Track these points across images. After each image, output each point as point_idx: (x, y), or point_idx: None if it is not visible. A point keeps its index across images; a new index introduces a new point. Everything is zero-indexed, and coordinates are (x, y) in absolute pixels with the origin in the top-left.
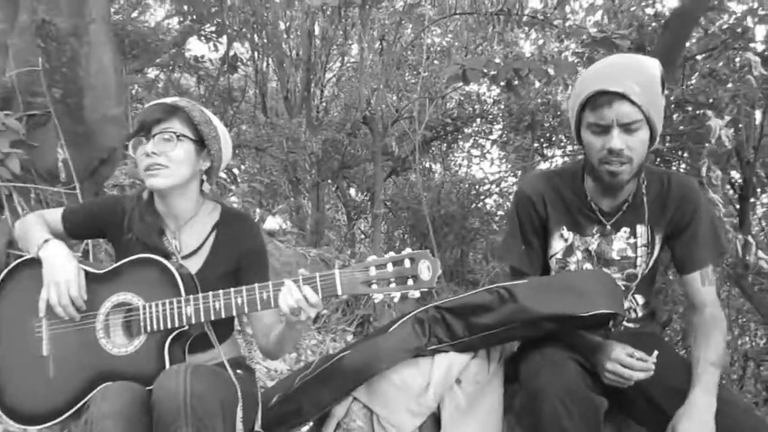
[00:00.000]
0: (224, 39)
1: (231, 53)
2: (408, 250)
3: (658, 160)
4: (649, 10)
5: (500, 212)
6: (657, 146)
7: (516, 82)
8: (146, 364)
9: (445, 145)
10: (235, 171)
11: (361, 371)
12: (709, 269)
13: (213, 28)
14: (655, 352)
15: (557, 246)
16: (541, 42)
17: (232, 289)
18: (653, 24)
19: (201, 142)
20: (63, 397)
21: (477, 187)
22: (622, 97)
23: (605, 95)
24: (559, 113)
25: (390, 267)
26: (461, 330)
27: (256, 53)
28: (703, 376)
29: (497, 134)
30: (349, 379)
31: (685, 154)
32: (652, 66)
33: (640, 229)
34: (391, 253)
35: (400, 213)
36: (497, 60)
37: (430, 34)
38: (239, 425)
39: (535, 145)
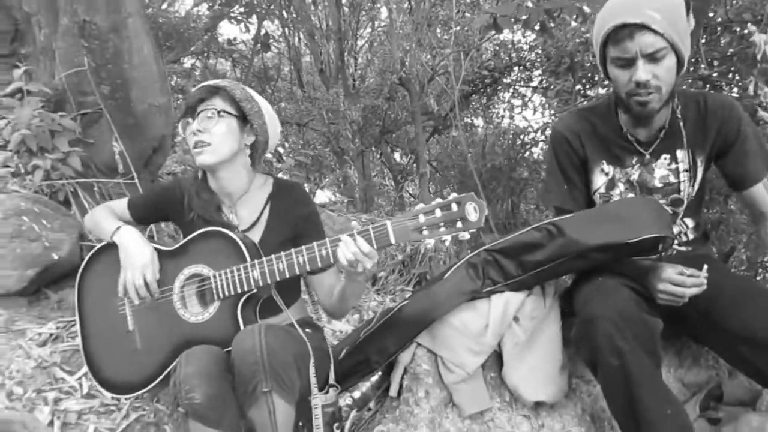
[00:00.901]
0: (254, 19)
1: (263, 32)
2: (454, 195)
3: (708, 86)
4: None
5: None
6: (704, 72)
7: (552, 25)
8: (222, 327)
9: (485, 98)
10: (280, 149)
11: (421, 318)
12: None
13: (242, 10)
14: (705, 266)
15: (599, 181)
16: None
17: (293, 250)
18: None
19: (243, 118)
20: (151, 366)
21: (522, 137)
22: (643, 27)
23: (626, 28)
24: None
25: (438, 212)
26: (514, 269)
27: (286, 29)
28: None
29: (537, 81)
30: (410, 327)
31: (737, 77)
32: None
33: (681, 153)
34: (438, 199)
35: (446, 171)
36: (528, 4)
37: None
38: (313, 379)
39: (577, 87)
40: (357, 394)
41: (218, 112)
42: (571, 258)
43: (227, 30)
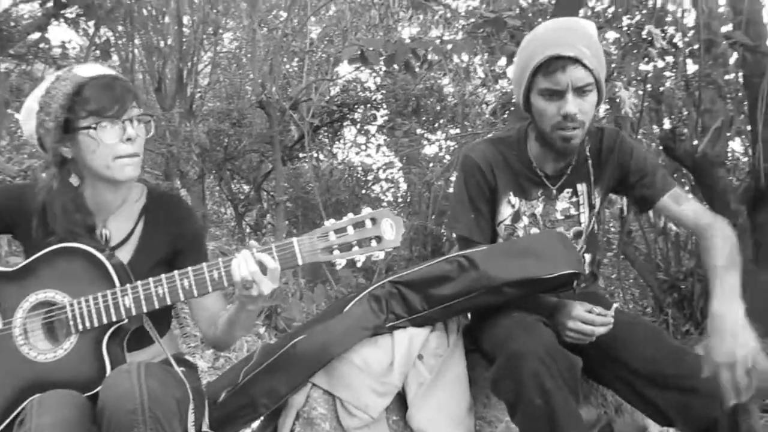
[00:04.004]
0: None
1: (102, 39)
2: (368, 210)
3: None
4: None
5: (389, 198)
6: None
7: (418, 64)
8: (81, 367)
9: (332, 132)
10: None
11: (318, 356)
12: (675, 190)
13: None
14: (614, 305)
15: (505, 212)
16: (422, 28)
17: (176, 272)
18: (533, 9)
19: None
20: None
21: (365, 174)
22: (576, 61)
23: (559, 60)
24: (442, 98)
25: (351, 230)
26: (419, 303)
27: (120, 42)
28: (715, 283)
29: (381, 120)
30: (306, 365)
31: None
32: (594, 29)
33: (581, 187)
34: (350, 215)
35: (290, 203)
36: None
37: (310, 21)
38: (191, 426)
39: (419, 130)
40: None
41: (143, 116)
42: (483, 293)
43: (53, 35)
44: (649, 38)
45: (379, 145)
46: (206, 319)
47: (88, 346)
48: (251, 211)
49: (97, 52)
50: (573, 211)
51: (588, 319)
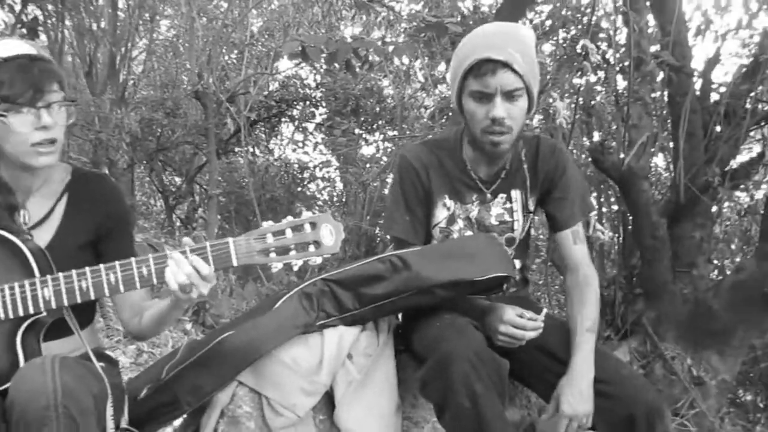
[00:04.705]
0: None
1: (30, 17)
2: (308, 214)
3: None
4: (468, 3)
5: (324, 196)
6: None
7: (359, 64)
8: None
9: (269, 127)
10: None
11: (246, 353)
12: (579, 228)
13: None
14: (544, 310)
15: (440, 215)
16: (365, 28)
17: (102, 265)
18: (474, 17)
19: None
20: None
21: (301, 171)
22: (506, 65)
23: (489, 63)
24: (382, 99)
25: (289, 233)
26: (350, 302)
27: (49, 21)
28: (582, 344)
29: (320, 118)
30: (232, 363)
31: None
32: (530, 36)
33: (515, 193)
34: (289, 218)
35: (223, 197)
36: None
37: (252, 13)
38: (110, 422)
39: (357, 131)
40: None
41: (63, 102)
42: (414, 293)
43: None
44: (584, 52)
45: (316, 143)
46: (129, 308)
47: (1, 338)
48: (182, 204)
49: (24, 30)
50: (507, 218)
51: (519, 324)
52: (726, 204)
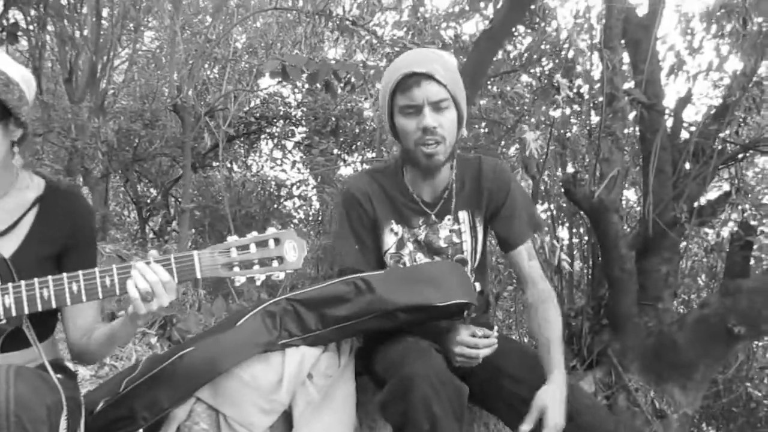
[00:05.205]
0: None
1: (11, 21)
2: (272, 230)
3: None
4: (450, 32)
5: (300, 215)
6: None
7: (341, 85)
8: None
9: (247, 144)
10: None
11: (206, 370)
12: (530, 243)
13: None
14: (496, 328)
15: (390, 241)
16: (347, 50)
17: (65, 275)
18: (455, 45)
19: (5, 112)
20: None
21: (278, 189)
22: (429, 77)
23: (414, 76)
24: (361, 121)
25: (253, 248)
26: (314, 322)
27: (31, 27)
28: (555, 354)
29: (300, 137)
30: (192, 379)
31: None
32: (452, 58)
33: (462, 214)
34: (254, 233)
35: (197, 211)
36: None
37: (237, 29)
38: None
39: (336, 151)
40: None
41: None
42: (377, 316)
43: None
44: (557, 85)
45: (294, 162)
46: (80, 327)
47: None
48: (156, 216)
49: (4, 34)
50: (455, 239)
51: (472, 343)
52: (693, 240)
